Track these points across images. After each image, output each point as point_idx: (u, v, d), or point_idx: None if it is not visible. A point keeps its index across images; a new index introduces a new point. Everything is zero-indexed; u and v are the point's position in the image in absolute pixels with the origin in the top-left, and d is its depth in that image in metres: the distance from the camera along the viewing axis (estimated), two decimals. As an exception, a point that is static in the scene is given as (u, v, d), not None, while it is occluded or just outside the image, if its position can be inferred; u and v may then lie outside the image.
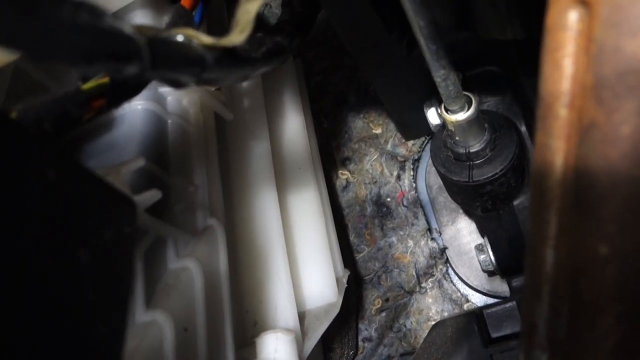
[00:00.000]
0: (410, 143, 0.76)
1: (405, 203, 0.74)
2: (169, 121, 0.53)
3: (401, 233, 0.73)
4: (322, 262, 0.59)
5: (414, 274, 0.71)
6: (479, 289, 0.67)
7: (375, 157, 0.77)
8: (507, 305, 0.52)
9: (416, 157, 0.75)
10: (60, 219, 0.23)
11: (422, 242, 0.71)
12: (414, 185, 0.74)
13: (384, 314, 0.70)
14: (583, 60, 0.19)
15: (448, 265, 0.69)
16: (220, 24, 0.69)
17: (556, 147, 0.21)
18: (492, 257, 0.59)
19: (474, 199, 0.52)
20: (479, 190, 0.50)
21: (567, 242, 0.21)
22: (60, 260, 0.22)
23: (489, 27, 0.42)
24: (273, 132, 0.65)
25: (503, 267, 0.59)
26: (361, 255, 0.74)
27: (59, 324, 0.22)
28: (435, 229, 0.71)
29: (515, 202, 0.54)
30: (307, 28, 0.52)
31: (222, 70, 0.32)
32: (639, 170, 0.18)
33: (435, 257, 0.70)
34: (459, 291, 0.68)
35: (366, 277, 0.73)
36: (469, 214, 0.68)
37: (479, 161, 0.49)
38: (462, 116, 0.45)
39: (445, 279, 0.69)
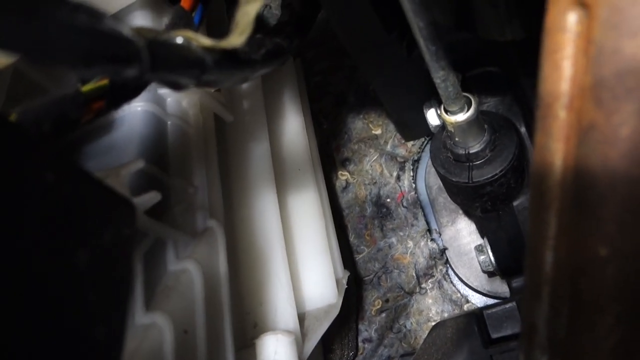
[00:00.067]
0: (409, 144, 0.76)
1: (405, 204, 0.74)
2: (169, 123, 0.53)
3: (401, 234, 0.73)
4: (322, 263, 0.59)
5: (414, 274, 0.70)
6: (479, 289, 0.66)
7: (375, 157, 0.77)
8: (507, 305, 0.52)
9: (416, 157, 0.75)
10: (60, 221, 0.23)
11: (422, 243, 0.71)
12: (414, 186, 0.74)
13: (384, 314, 0.70)
14: (582, 62, 0.19)
15: (448, 266, 0.69)
16: (220, 25, 0.69)
17: (555, 148, 0.21)
18: (492, 258, 0.59)
19: (473, 200, 0.52)
20: (478, 191, 0.50)
21: (567, 242, 0.21)
22: (59, 262, 0.22)
23: (489, 27, 0.42)
24: (273, 133, 0.65)
25: (503, 268, 0.59)
26: (361, 256, 0.74)
27: (58, 325, 0.22)
28: (435, 230, 0.71)
29: (515, 203, 0.54)
30: (307, 29, 0.52)
31: (222, 72, 0.32)
32: (638, 171, 0.18)
33: (435, 257, 0.70)
34: (459, 292, 0.68)
35: (366, 278, 0.73)
36: (469, 214, 0.68)
37: (478, 162, 0.49)
38: (461, 117, 0.45)
39: (445, 279, 0.69)
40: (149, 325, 0.38)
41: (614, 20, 0.18)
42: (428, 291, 0.70)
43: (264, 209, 0.58)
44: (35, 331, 0.20)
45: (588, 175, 0.19)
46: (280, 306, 0.53)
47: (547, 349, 0.22)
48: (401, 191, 0.75)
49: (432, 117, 0.61)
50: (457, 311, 0.68)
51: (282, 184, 0.62)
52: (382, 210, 0.75)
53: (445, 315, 0.68)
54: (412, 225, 0.72)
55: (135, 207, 0.28)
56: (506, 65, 0.61)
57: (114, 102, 0.35)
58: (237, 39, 0.31)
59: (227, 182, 0.60)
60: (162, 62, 0.26)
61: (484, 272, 0.64)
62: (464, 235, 0.69)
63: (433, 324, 0.56)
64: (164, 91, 0.54)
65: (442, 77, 0.40)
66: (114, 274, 0.26)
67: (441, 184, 0.67)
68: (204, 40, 0.30)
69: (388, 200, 0.75)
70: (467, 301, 0.68)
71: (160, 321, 0.39)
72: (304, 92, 0.76)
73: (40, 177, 0.22)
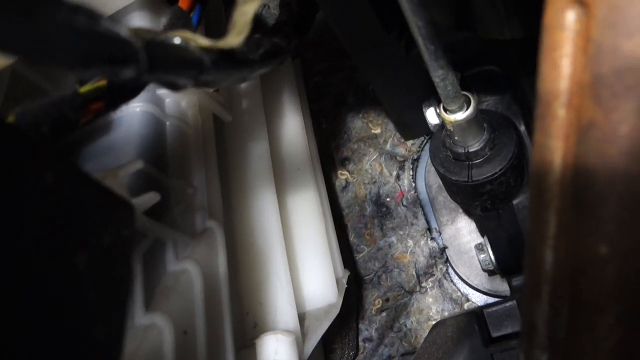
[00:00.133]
0: (409, 143, 0.76)
1: (404, 203, 0.74)
2: (168, 123, 0.53)
3: (401, 233, 0.73)
4: (321, 262, 0.59)
5: (414, 273, 0.70)
6: (479, 288, 0.66)
7: (375, 157, 0.77)
8: (508, 304, 0.52)
9: (415, 156, 0.75)
10: (59, 221, 0.23)
11: (422, 242, 0.71)
12: (414, 185, 0.74)
13: (384, 314, 0.70)
14: (581, 60, 0.19)
15: (448, 264, 0.69)
16: (218, 25, 0.69)
17: (555, 146, 0.21)
18: (492, 257, 0.59)
19: (473, 199, 0.52)
20: (478, 189, 0.50)
21: (567, 241, 0.21)
22: (59, 263, 0.22)
23: (488, 26, 0.42)
24: (272, 133, 0.65)
25: (503, 266, 0.59)
26: (361, 255, 0.74)
27: (58, 325, 0.22)
28: (435, 229, 0.71)
29: (515, 202, 0.54)
30: (305, 29, 0.52)
31: (220, 72, 0.32)
32: (637, 168, 0.18)
33: (435, 256, 0.70)
34: (459, 290, 0.68)
35: (366, 277, 0.73)
36: (469, 213, 0.68)
37: (478, 161, 0.49)
38: (460, 116, 0.45)
39: (445, 278, 0.69)
40: (149, 325, 0.38)
41: (612, 19, 0.18)
42: (428, 290, 0.70)
43: (264, 208, 0.58)
44: (35, 331, 0.20)
45: (587, 173, 0.19)
46: (280, 306, 0.53)
47: (547, 348, 0.22)
48: (401, 190, 0.75)
49: (432, 116, 0.61)
50: (457, 310, 0.68)
51: (281, 183, 0.62)
52: (382, 209, 0.75)
53: (446, 314, 0.68)
54: (412, 224, 0.72)
55: (134, 207, 0.28)
56: (505, 64, 0.61)
57: (113, 102, 0.35)
58: (235, 39, 0.31)
59: (226, 182, 0.60)
60: (159, 63, 0.26)
61: (484, 270, 0.64)
62: (464, 234, 0.69)
63: (433, 322, 0.56)
64: (163, 92, 0.54)
65: (441, 76, 0.40)
66: (114, 274, 0.26)
67: (441, 183, 0.67)
68: (201, 41, 0.30)
69: (388, 199, 0.75)
70: (468, 300, 0.68)
71: (159, 322, 0.39)
72: (303, 92, 0.76)
73: (40, 178, 0.22)
